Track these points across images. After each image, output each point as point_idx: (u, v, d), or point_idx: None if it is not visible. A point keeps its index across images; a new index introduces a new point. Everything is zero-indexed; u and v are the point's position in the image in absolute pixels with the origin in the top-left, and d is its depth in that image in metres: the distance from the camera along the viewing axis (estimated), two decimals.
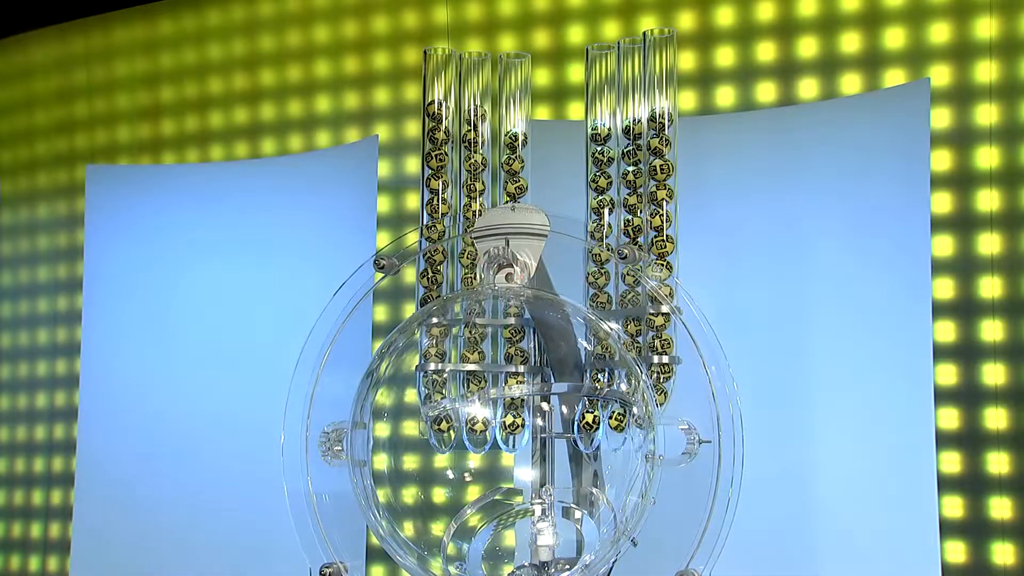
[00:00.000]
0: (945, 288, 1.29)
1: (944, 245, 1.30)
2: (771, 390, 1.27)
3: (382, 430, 1.03)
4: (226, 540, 1.57)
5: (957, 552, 1.26)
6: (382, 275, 1.04)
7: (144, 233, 1.67)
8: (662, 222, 1.02)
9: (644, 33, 1.05)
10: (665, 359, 1.01)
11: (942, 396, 1.27)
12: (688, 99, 1.42)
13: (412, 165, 1.57)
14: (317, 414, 1.03)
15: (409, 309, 1.15)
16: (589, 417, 1.00)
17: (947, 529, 1.26)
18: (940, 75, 1.31)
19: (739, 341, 1.03)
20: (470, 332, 1.03)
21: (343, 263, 1.07)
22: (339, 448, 1.01)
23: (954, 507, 1.26)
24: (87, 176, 1.70)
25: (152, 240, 1.67)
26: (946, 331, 1.29)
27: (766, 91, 1.39)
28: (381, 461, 1.02)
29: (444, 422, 1.02)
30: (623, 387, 1.00)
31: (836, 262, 1.30)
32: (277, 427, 1.04)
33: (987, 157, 1.29)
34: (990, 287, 1.27)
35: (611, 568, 0.98)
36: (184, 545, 1.59)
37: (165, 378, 1.63)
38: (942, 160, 1.30)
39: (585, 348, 1.02)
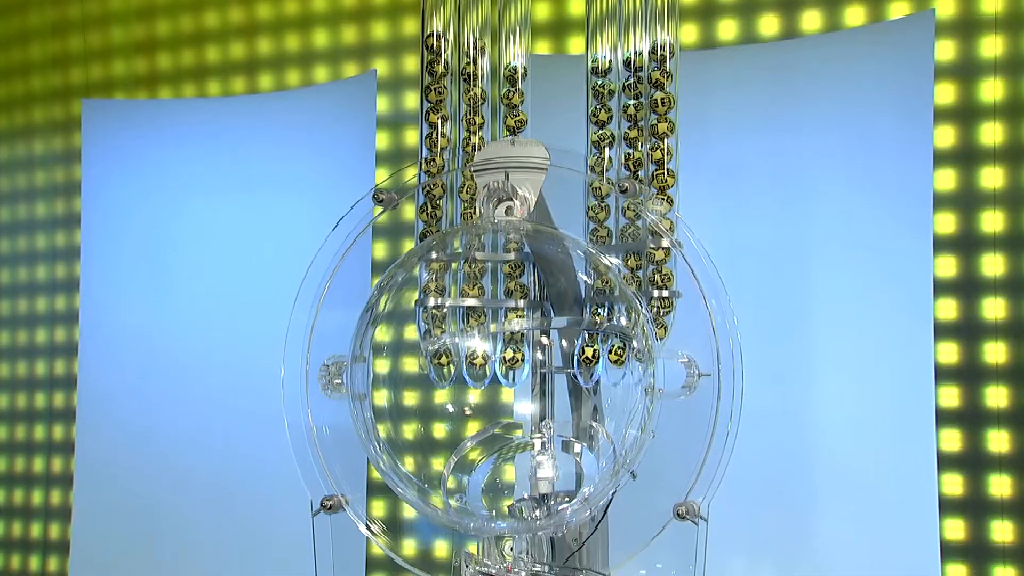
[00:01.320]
0: (947, 223, 1.28)
1: (946, 179, 1.28)
2: (771, 324, 1.27)
3: (382, 366, 1.03)
4: (227, 473, 1.58)
5: (955, 485, 1.27)
6: (381, 209, 1.04)
7: (142, 169, 1.66)
8: (663, 155, 1.01)
9: None
10: (665, 293, 1.00)
11: (942, 331, 1.27)
12: (690, 32, 1.40)
13: (411, 100, 1.55)
14: (317, 349, 1.03)
15: (408, 245, 1.15)
16: (589, 351, 1.00)
17: (945, 463, 1.26)
18: (945, 6, 1.29)
19: (740, 275, 1.02)
20: (470, 267, 1.03)
21: (342, 199, 1.07)
22: (339, 382, 1.01)
23: (952, 441, 1.27)
24: (83, 111, 1.69)
25: (150, 176, 1.66)
26: (947, 266, 1.28)
27: (768, 24, 1.37)
28: (381, 396, 1.02)
29: (444, 357, 1.02)
30: (623, 321, 1.00)
31: (838, 196, 1.29)
32: (277, 362, 1.04)
33: (991, 90, 1.27)
34: (992, 221, 1.27)
35: (610, 500, 0.98)
36: (186, 478, 1.61)
37: (165, 313, 1.64)
38: (946, 93, 1.28)
39: (585, 282, 1.02)
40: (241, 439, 1.57)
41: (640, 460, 0.96)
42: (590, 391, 1.02)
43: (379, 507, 1.30)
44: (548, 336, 1.02)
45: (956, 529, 1.26)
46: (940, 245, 1.27)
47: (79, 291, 1.70)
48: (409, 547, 1.14)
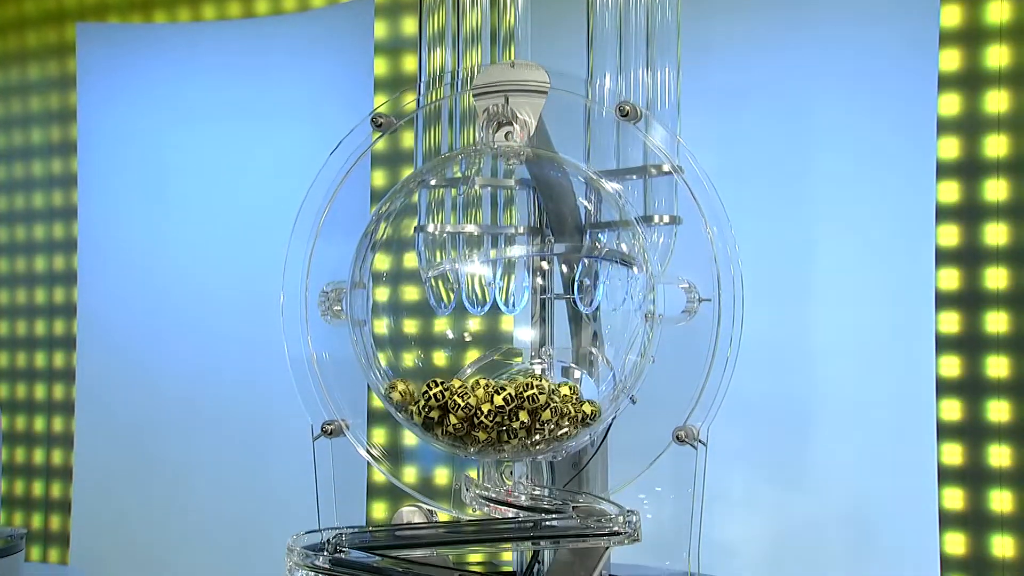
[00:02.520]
0: (950, 148, 1.27)
1: (951, 104, 1.27)
2: (772, 250, 1.27)
3: (381, 294, 1.03)
4: (228, 399, 1.60)
5: (953, 410, 1.27)
6: (379, 134, 1.03)
7: (138, 94, 1.66)
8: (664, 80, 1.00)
9: None
10: (666, 219, 1.00)
11: (943, 256, 1.26)
12: None
13: (409, 26, 1.52)
14: (316, 275, 1.03)
15: (407, 172, 1.15)
16: (588, 277, 1.00)
17: (944, 388, 1.26)
18: None
19: (741, 201, 1.02)
20: (469, 192, 1.02)
21: (339, 126, 1.06)
22: (338, 308, 1.02)
23: (951, 367, 1.27)
24: (78, 35, 1.67)
25: (146, 102, 1.65)
26: (950, 191, 1.27)
27: None
28: (381, 324, 1.02)
29: (443, 283, 1.02)
30: (623, 247, 0.99)
31: (841, 122, 1.28)
32: (276, 288, 1.04)
33: (997, 12, 1.25)
34: (996, 146, 1.25)
35: (610, 425, 0.99)
36: (186, 402, 1.62)
37: (163, 241, 1.64)
38: (952, 16, 1.26)
39: (585, 207, 1.02)
40: (241, 365, 1.58)
41: (640, 385, 0.97)
42: (590, 317, 1.02)
43: (380, 435, 1.30)
44: (548, 262, 1.02)
45: (953, 454, 1.26)
46: (944, 171, 1.26)
47: (77, 219, 1.69)
48: (410, 474, 1.17)
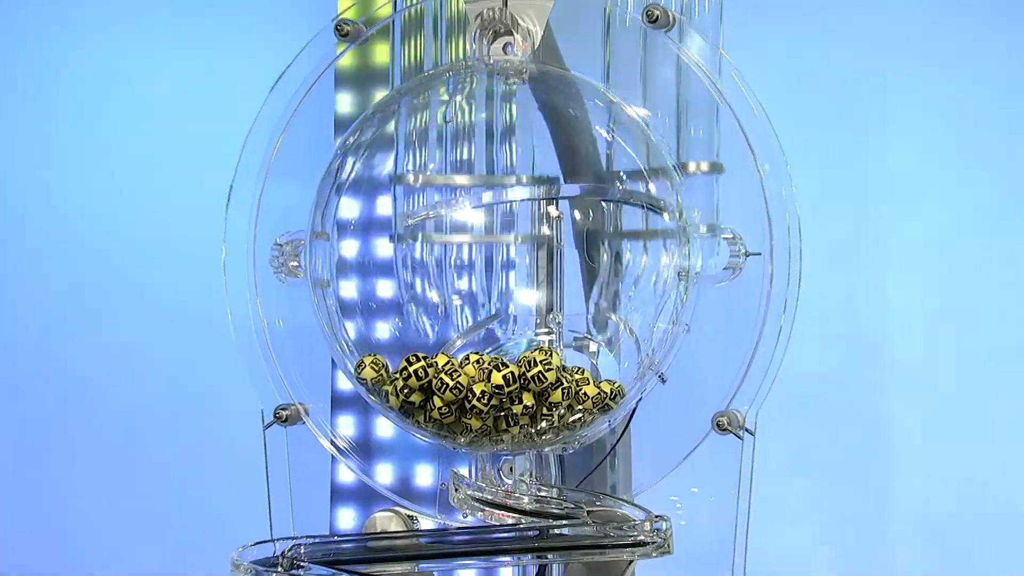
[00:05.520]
0: None
1: None
2: (838, 193, 1.28)
3: (349, 248, 1.03)
4: (156, 382, 1.61)
5: None
6: (346, 45, 1.03)
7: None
8: None
9: None
10: (704, 166, 1.01)
11: None
12: None
13: None
14: (267, 224, 1.04)
15: (381, 95, 1.15)
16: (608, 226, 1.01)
17: None
18: None
19: (799, 131, 1.03)
20: (459, 120, 1.02)
21: (295, 36, 1.06)
22: (295, 264, 1.02)
23: None
24: None
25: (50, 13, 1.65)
26: None
27: None
28: (349, 286, 1.03)
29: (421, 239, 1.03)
30: (651, 188, 0.99)
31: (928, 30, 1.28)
32: (215, 241, 1.05)
33: None
34: None
35: (634, 410, 0.99)
36: (102, 388, 1.64)
37: (67, 186, 1.65)
38: None
39: (604, 139, 1.01)
40: (172, 337, 1.59)
41: (671, 360, 0.97)
42: (610, 275, 1.02)
43: (347, 423, 1.26)
44: (557, 206, 1.02)
45: None
46: None
47: None
48: (384, 472, 1.16)
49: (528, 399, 0.91)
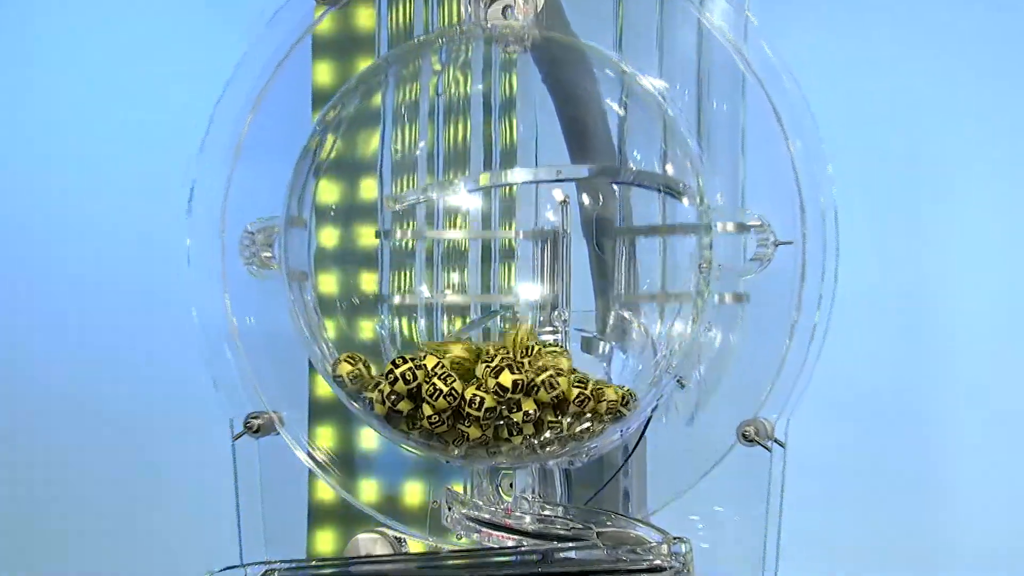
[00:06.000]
0: None
1: None
2: (882, 174, 1.27)
3: (329, 236, 1.02)
4: (115, 388, 1.62)
5: None
6: (325, 8, 1.03)
7: None
8: None
9: None
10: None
11: None
12: None
13: None
14: (236, 210, 1.03)
15: (365, 64, 1.16)
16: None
17: None
18: None
19: (836, 105, 1.03)
20: (451, 91, 1.01)
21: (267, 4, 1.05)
22: (269, 255, 1.01)
23: None
24: None
25: None
26: None
27: None
28: (329, 279, 1.01)
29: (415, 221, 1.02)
30: (669, 169, 0.98)
31: None
32: (179, 230, 1.03)
33: None
34: None
35: (649, 418, 0.98)
36: (57, 396, 1.65)
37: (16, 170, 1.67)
38: None
39: (616, 114, 1.00)
40: (133, 338, 1.60)
41: (691, 363, 0.97)
42: (621, 266, 1.01)
43: (326, 434, 1.25)
44: (563, 190, 1.00)
45: None
46: None
47: None
48: (368, 489, 1.15)
49: (529, 405, 0.88)
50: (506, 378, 0.87)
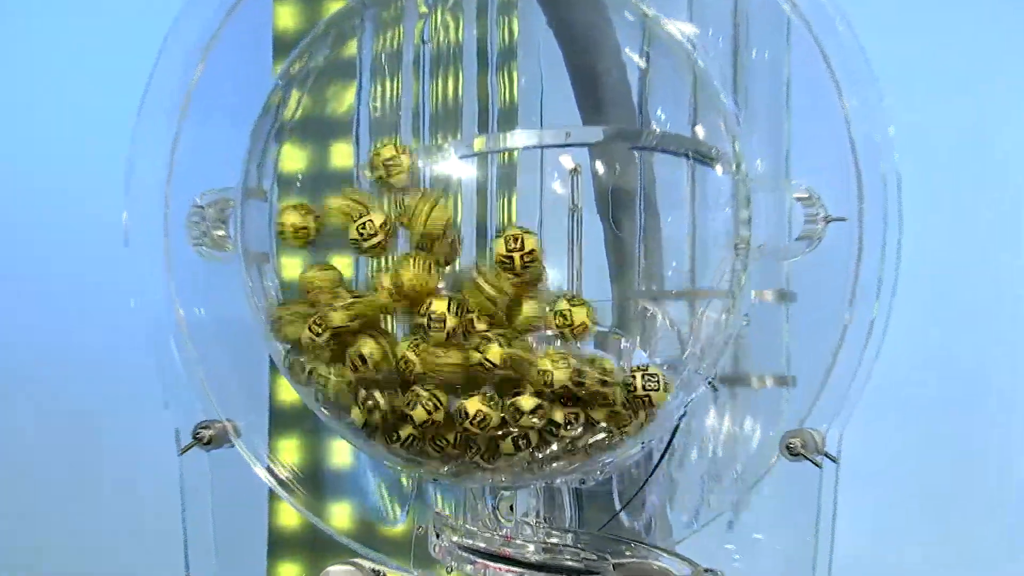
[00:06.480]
0: None
1: None
2: (955, 138, 1.24)
3: (293, 214, 0.95)
4: (41, 389, 1.65)
5: None
6: None
7: None
8: None
9: None
10: None
11: None
12: None
13: None
14: (183, 181, 1.00)
15: (336, 5, 1.14)
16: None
17: None
18: None
19: (901, 53, 1.02)
20: (440, 38, 0.98)
21: None
22: (222, 233, 0.97)
23: None
24: None
25: None
26: None
27: None
28: (293, 262, 0.96)
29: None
30: (699, 131, 0.95)
31: None
32: (114, 203, 0.99)
33: None
34: None
35: (676, 427, 0.95)
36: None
37: None
38: None
39: (637, 66, 0.97)
40: (61, 332, 1.61)
41: (725, 362, 0.95)
42: (643, 248, 0.97)
43: (290, 447, 1.26)
44: (573, 156, 0.96)
45: None
46: None
47: None
48: (340, 513, 1.13)
49: (558, 415, 0.84)
50: (561, 373, 0.82)
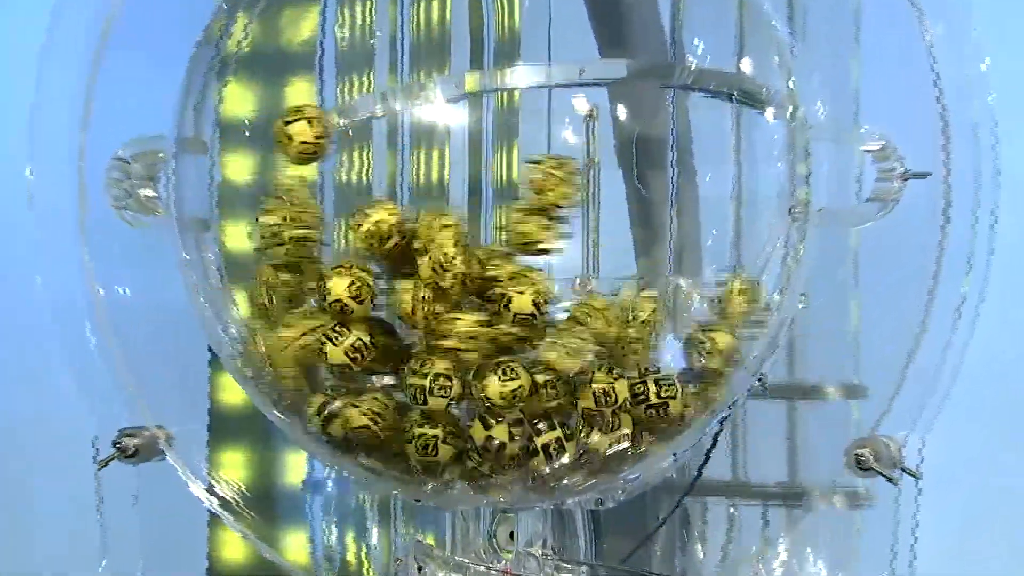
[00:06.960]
0: None
1: None
2: None
3: (240, 166, 0.93)
4: None
5: None
6: None
7: None
8: None
9: None
10: None
11: None
12: None
13: None
14: (101, 128, 0.93)
15: None
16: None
17: None
18: None
19: None
20: None
21: None
22: (150, 193, 0.91)
23: None
24: None
25: None
26: None
27: None
28: (238, 229, 0.91)
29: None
30: (745, 66, 0.89)
31: None
32: (17, 157, 0.94)
33: None
34: None
35: (718, 433, 0.91)
36: None
37: None
38: None
39: None
40: None
41: (776, 354, 0.89)
42: (673, 209, 0.92)
43: (235, 460, 1.22)
44: (589, 98, 0.91)
45: None
46: None
47: None
48: (297, 542, 1.10)
49: (587, 400, 0.79)
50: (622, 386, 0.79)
